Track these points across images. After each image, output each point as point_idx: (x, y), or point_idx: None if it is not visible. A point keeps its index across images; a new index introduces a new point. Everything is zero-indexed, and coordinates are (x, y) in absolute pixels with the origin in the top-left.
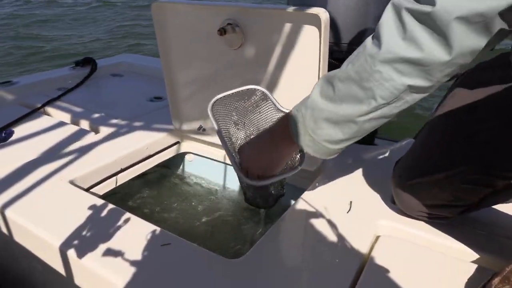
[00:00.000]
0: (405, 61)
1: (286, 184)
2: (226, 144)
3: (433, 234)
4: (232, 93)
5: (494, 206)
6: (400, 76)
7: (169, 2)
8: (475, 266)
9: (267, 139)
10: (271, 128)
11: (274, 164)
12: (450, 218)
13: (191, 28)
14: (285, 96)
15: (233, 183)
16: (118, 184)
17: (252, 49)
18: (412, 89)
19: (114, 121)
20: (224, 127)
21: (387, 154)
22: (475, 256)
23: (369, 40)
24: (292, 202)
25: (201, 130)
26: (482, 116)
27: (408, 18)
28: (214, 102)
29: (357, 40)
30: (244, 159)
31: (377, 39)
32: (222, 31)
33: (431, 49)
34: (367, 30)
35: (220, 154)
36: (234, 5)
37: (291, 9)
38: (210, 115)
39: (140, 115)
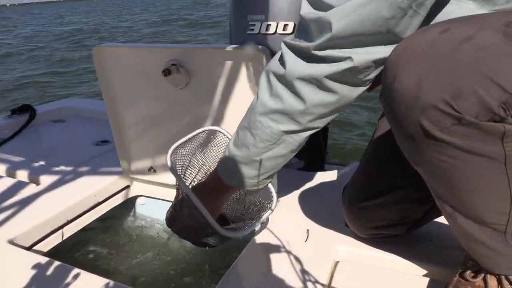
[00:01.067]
0: (275, 112)
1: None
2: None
3: (387, 253)
4: (189, 138)
5: (436, 220)
6: (275, 124)
7: (110, 47)
8: (427, 279)
9: (207, 191)
10: (206, 182)
11: (218, 210)
12: (399, 235)
13: (135, 70)
14: (233, 130)
15: None
16: (64, 238)
17: (198, 87)
18: (288, 132)
19: (57, 169)
20: (189, 174)
21: (337, 179)
22: (428, 269)
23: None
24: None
25: (152, 171)
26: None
27: (273, 79)
28: (173, 151)
29: None
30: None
31: (256, 96)
32: (167, 72)
33: (289, 101)
34: None
35: (174, 194)
36: (177, 47)
37: (233, 47)
38: (169, 163)
39: (86, 161)
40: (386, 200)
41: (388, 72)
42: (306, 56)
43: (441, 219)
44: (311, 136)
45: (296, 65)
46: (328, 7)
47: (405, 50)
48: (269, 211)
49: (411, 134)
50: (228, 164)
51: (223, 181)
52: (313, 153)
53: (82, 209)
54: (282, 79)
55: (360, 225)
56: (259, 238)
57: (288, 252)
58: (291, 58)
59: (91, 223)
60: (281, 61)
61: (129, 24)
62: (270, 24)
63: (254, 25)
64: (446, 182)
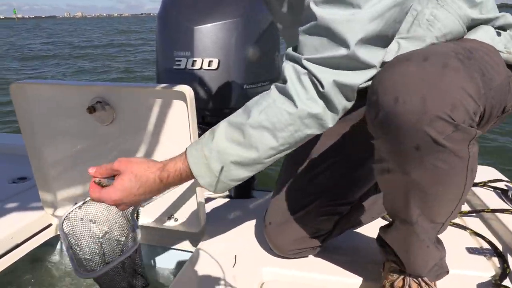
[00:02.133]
0: (311, 117)
1: (169, 250)
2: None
3: (310, 270)
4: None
5: (348, 233)
6: (305, 128)
7: (29, 83)
8: None
9: (156, 177)
10: (164, 167)
11: (148, 196)
12: (317, 247)
13: (57, 107)
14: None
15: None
16: None
17: (124, 124)
18: (309, 136)
19: None
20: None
21: (264, 204)
22: (348, 283)
23: (279, 96)
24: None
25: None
26: (318, 159)
27: (307, 83)
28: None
29: (226, 103)
30: (124, 189)
31: (289, 98)
32: (92, 109)
33: (324, 108)
34: (232, 94)
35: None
36: (102, 85)
37: (159, 86)
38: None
39: (1, 201)
40: (300, 216)
41: (387, 96)
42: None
43: (349, 233)
44: None
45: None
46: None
47: (400, 76)
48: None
49: (418, 144)
50: (213, 161)
51: (193, 174)
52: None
53: None
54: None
55: (281, 244)
56: (188, 267)
57: (217, 278)
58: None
59: (7, 268)
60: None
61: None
62: (195, 60)
63: (180, 60)
64: (430, 187)
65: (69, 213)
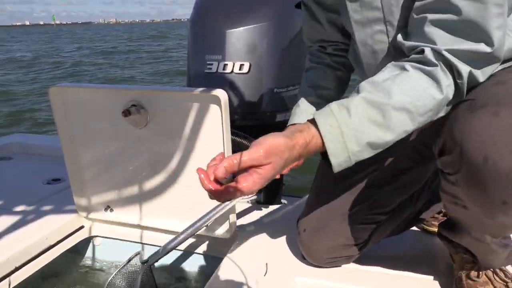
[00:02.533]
0: (448, 104)
1: (199, 256)
2: None
3: (344, 281)
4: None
5: (384, 242)
6: (436, 115)
7: (68, 87)
8: None
9: (296, 148)
10: (303, 134)
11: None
12: (352, 257)
13: (94, 110)
14: (192, 169)
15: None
16: (12, 287)
17: (157, 127)
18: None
19: (4, 211)
20: None
21: (293, 211)
22: None
23: (423, 78)
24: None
25: (109, 211)
26: (357, 167)
27: (449, 71)
28: None
29: (256, 107)
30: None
31: (436, 82)
32: (127, 113)
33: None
34: (263, 98)
35: (133, 233)
36: (137, 88)
37: (193, 90)
38: None
39: (36, 201)
40: (337, 224)
41: (475, 154)
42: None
43: (385, 242)
44: None
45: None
46: None
47: (489, 134)
48: None
49: (505, 200)
50: (351, 140)
51: (328, 152)
52: (270, 186)
53: (31, 254)
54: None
55: (315, 252)
56: (219, 274)
57: (248, 287)
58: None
59: (42, 268)
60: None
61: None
62: (227, 64)
63: (211, 64)
64: (508, 225)
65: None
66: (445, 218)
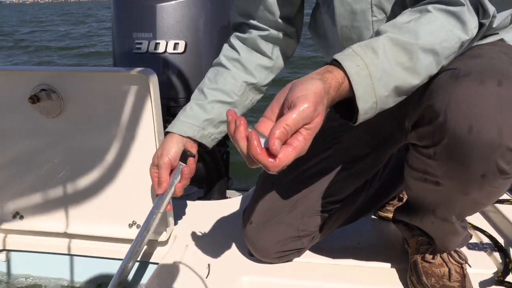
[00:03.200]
0: (467, 44)
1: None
2: None
3: (295, 276)
4: None
5: (335, 233)
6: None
7: None
8: None
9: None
10: (324, 77)
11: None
12: (303, 249)
13: None
14: (118, 164)
15: (80, 274)
16: None
17: (74, 116)
18: None
19: None
20: None
21: (240, 206)
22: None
23: (448, 19)
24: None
25: (19, 218)
26: (308, 153)
27: (475, 11)
28: None
29: (192, 92)
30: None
31: (462, 23)
32: (35, 99)
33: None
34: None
35: (52, 244)
36: (47, 69)
37: (115, 70)
38: None
39: None
40: (286, 215)
41: (459, 123)
42: None
43: (336, 233)
44: (209, 160)
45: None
46: None
47: (474, 102)
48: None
49: (484, 173)
50: (379, 83)
51: (355, 96)
52: (213, 180)
53: None
54: None
55: (263, 246)
56: (155, 281)
57: None
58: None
59: None
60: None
61: None
62: (159, 43)
63: (141, 43)
64: (481, 201)
65: None
66: (400, 203)
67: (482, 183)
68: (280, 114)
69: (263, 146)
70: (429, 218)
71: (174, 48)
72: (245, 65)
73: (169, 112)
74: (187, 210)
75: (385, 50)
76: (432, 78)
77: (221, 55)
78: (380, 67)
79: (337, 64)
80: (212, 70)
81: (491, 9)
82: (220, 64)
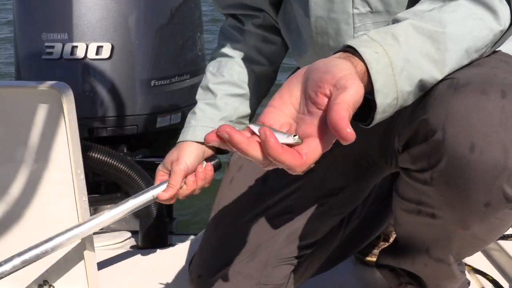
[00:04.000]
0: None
1: None
2: None
3: None
4: None
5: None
6: (490, 49)
7: None
8: None
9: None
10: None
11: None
12: None
13: None
14: (27, 204)
15: None
16: None
17: None
18: None
19: None
20: None
21: (187, 253)
22: None
23: (477, 7)
24: None
25: None
26: (273, 186)
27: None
28: None
29: (125, 108)
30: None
31: (493, 12)
32: None
33: None
34: (134, 94)
35: None
36: None
37: (18, 85)
38: None
39: None
40: (244, 264)
41: (460, 140)
42: None
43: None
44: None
45: None
46: None
47: (477, 117)
48: None
49: (489, 201)
50: (402, 75)
51: (374, 88)
52: (151, 223)
53: None
54: None
55: None
56: None
57: None
58: None
59: None
60: None
61: None
62: (76, 46)
63: (52, 47)
64: (481, 237)
65: None
66: (387, 244)
67: (485, 213)
68: (291, 103)
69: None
70: (422, 260)
71: (97, 53)
72: (248, 52)
73: (92, 136)
74: (116, 262)
75: (407, 37)
76: (428, 90)
77: (218, 45)
78: (403, 56)
79: (351, 50)
80: (212, 63)
81: None
82: (221, 54)
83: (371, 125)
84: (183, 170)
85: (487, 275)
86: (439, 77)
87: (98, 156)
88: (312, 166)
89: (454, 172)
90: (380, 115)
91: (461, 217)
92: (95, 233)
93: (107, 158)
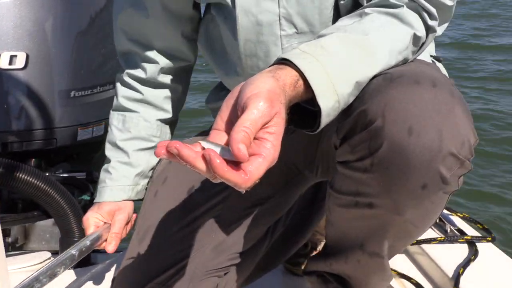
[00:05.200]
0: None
1: None
2: None
3: None
4: None
5: None
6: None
7: None
8: None
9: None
10: (276, 75)
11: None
12: None
13: None
14: None
15: None
16: None
17: None
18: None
19: None
20: None
21: (107, 274)
22: None
23: (399, 23)
24: None
25: None
26: (200, 197)
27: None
28: None
29: (41, 121)
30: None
31: (410, 25)
32: None
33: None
34: (53, 106)
35: None
36: None
37: None
38: None
39: None
40: (168, 279)
41: (398, 124)
42: None
43: None
44: (67, 211)
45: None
46: None
47: (413, 103)
48: None
49: (425, 183)
50: (339, 80)
51: (315, 94)
52: (74, 242)
53: None
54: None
55: None
56: None
57: None
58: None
59: None
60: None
61: None
62: None
63: None
64: (416, 224)
65: None
66: (315, 252)
67: (421, 196)
68: (233, 121)
69: (223, 158)
70: (356, 256)
71: (11, 63)
72: (152, 103)
73: (6, 151)
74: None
75: (335, 48)
76: (363, 89)
77: (119, 97)
78: (336, 64)
79: (286, 62)
80: (115, 116)
81: (433, 10)
82: (124, 108)
83: (318, 130)
84: (124, 220)
85: (412, 279)
86: (371, 74)
87: (12, 173)
88: (257, 181)
89: (394, 155)
90: (325, 118)
91: (398, 202)
92: (9, 254)
93: (22, 175)
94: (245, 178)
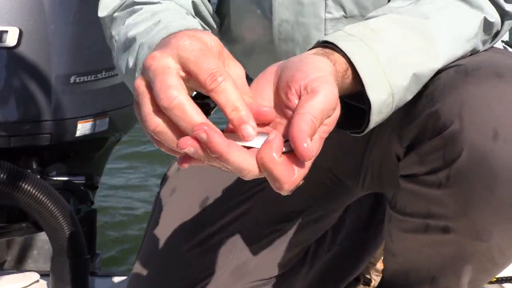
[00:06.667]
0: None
1: None
2: None
3: None
4: None
5: None
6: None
7: None
8: None
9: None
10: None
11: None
12: None
13: None
14: None
15: None
16: None
17: None
18: None
19: None
20: None
21: None
22: None
23: (465, 5)
24: None
25: None
26: (215, 211)
27: None
28: None
29: (36, 112)
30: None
31: (479, 8)
32: None
33: None
34: (49, 93)
35: None
36: None
37: None
38: None
39: None
40: None
41: (481, 128)
42: None
43: None
44: (65, 226)
45: None
46: None
47: (497, 101)
48: None
49: None
50: (393, 70)
51: (364, 84)
52: (68, 263)
53: None
54: None
55: None
56: None
57: None
58: None
59: None
60: None
61: None
62: None
63: None
64: (503, 253)
65: None
66: None
67: (510, 216)
68: (277, 106)
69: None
70: None
71: (0, 40)
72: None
73: None
74: None
75: (388, 32)
76: (429, 81)
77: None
78: (389, 50)
79: (331, 46)
80: (129, 16)
81: None
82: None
83: (366, 131)
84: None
85: None
86: (436, 66)
87: None
88: (300, 183)
89: (475, 166)
90: (376, 116)
91: (480, 225)
92: None
93: (6, 176)
94: (293, 178)
